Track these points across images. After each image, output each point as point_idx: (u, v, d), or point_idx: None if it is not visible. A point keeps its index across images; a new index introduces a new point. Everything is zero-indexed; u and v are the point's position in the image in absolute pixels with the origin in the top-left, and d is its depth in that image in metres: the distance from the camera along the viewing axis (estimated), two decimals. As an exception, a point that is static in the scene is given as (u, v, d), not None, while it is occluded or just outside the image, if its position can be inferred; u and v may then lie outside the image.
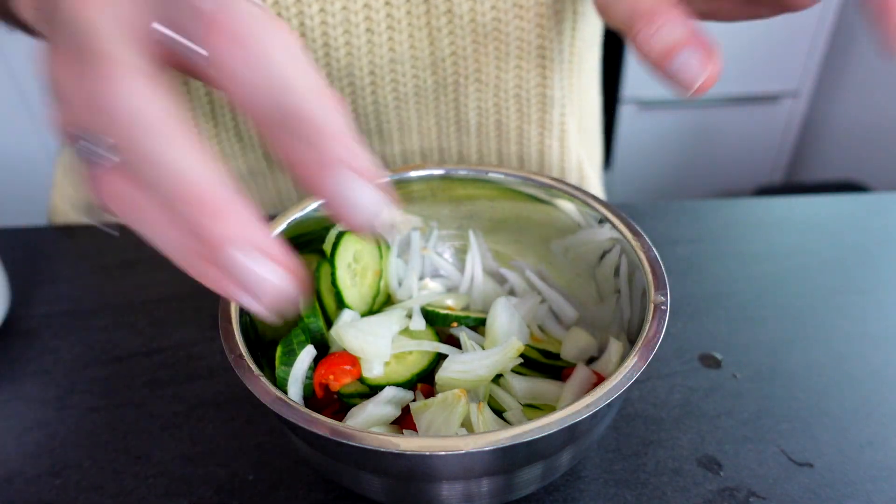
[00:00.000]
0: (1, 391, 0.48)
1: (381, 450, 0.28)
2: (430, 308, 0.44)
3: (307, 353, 0.40)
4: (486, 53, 0.55)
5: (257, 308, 0.24)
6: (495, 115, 0.59)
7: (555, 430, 0.28)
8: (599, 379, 0.39)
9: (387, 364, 0.40)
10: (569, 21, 0.57)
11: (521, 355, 0.41)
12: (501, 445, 0.28)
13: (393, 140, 0.60)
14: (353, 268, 0.44)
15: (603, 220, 0.41)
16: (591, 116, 0.73)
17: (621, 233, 0.40)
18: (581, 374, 0.39)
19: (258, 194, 0.63)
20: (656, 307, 0.34)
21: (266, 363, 0.39)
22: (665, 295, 0.35)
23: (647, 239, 0.39)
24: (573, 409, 0.29)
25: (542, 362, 0.42)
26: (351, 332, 0.39)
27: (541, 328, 0.46)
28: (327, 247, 0.44)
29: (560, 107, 0.61)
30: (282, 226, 0.41)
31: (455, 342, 0.43)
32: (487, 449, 0.28)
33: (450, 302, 0.47)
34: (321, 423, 0.29)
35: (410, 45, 0.53)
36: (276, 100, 0.23)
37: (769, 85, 1.73)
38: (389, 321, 0.42)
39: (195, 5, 0.23)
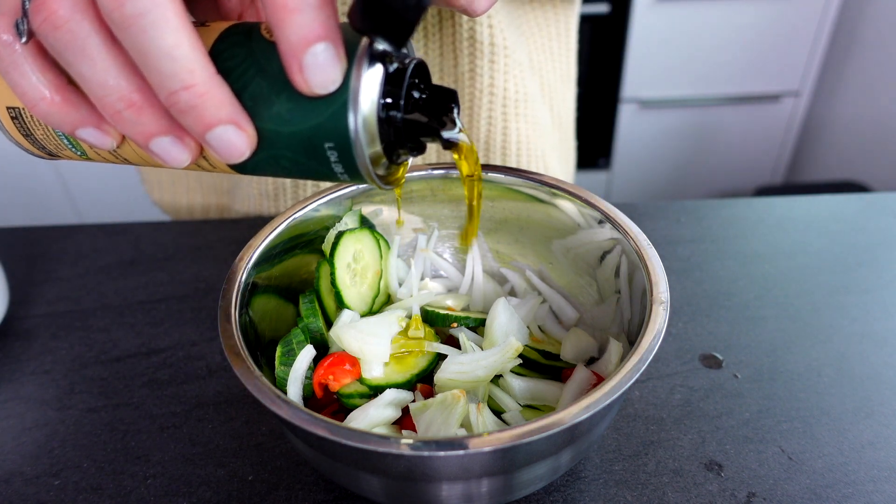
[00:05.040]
0: (0, 391, 0.48)
1: (381, 450, 0.28)
2: (430, 308, 0.44)
3: (307, 353, 0.40)
4: (498, 70, 0.60)
5: (180, 156, 0.27)
6: (502, 122, 0.63)
7: (554, 430, 0.28)
8: (599, 380, 0.39)
9: (386, 364, 0.40)
10: (563, 38, 0.67)
11: (521, 356, 0.41)
12: (501, 446, 0.28)
13: None
14: (352, 268, 0.44)
15: (603, 220, 0.41)
16: (568, 115, 0.77)
17: (621, 233, 0.40)
18: (581, 374, 0.39)
19: None
20: (656, 307, 0.34)
21: (266, 363, 0.39)
22: (665, 295, 0.35)
23: (647, 239, 0.39)
24: (573, 410, 0.29)
25: (542, 363, 0.42)
26: (350, 332, 0.39)
27: (541, 328, 0.46)
28: (327, 247, 0.44)
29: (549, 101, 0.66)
30: (282, 226, 0.41)
31: (455, 342, 0.43)
32: (487, 450, 0.28)
33: (450, 302, 0.47)
34: (321, 423, 0.29)
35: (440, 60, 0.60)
36: None
37: (770, 85, 1.73)
38: (389, 322, 0.42)
39: None
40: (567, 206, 0.43)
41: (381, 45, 0.26)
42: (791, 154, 1.90)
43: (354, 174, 0.28)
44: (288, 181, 0.64)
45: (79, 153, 0.33)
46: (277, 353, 0.40)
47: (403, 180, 0.32)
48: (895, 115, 1.56)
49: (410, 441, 0.28)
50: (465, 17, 0.57)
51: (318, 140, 0.26)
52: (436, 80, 0.61)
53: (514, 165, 0.65)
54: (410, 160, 0.33)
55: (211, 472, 0.41)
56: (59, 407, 0.46)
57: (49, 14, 0.24)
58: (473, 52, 0.58)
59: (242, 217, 0.70)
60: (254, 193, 0.67)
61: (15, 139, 0.33)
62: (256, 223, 0.64)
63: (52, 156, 0.34)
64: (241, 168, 0.29)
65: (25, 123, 0.32)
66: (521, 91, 0.63)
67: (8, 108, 0.31)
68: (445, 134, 0.30)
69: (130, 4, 0.23)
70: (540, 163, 0.67)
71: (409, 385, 0.40)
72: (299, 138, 0.26)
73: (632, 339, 0.36)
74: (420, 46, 0.59)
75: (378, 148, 0.28)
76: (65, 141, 0.32)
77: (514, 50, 0.61)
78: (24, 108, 0.31)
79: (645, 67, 1.70)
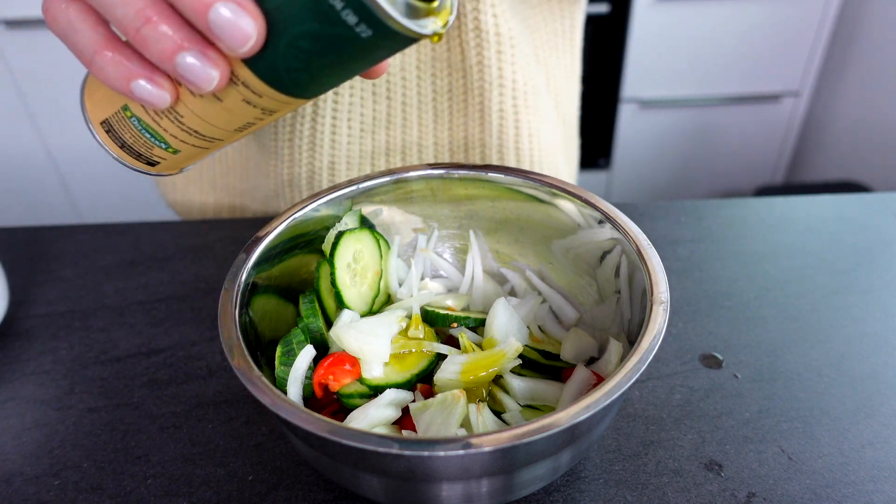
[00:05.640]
0: (0, 391, 0.48)
1: (381, 450, 0.28)
2: (429, 308, 0.44)
3: (307, 353, 0.40)
4: (506, 61, 0.60)
5: (208, 74, 0.27)
6: (514, 114, 0.63)
7: (554, 430, 0.28)
8: (599, 380, 0.39)
9: (386, 364, 0.40)
10: (567, 34, 0.67)
11: (521, 356, 0.41)
12: (501, 446, 0.28)
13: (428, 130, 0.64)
14: (352, 268, 0.44)
15: (603, 221, 0.41)
16: (572, 112, 0.77)
17: (621, 233, 0.40)
18: (581, 374, 0.39)
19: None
20: (656, 307, 0.34)
21: (266, 363, 0.39)
22: (665, 295, 0.35)
23: (647, 239, 0.39)
24: (573, 410, 0.29)
25: (542, 363, 0.42)
26: (350, 332, 0.39)
27: (541, 328, 0.46)
28: (327, 247, 0.44)
29: (555, 96, 0.67)
30: (282, 226, 0.41)
31: (455, 342, 0.43)
32: (487, 450, 0.28)
33: (450, 302, 0.47)
34: (321, 423, 0.29)
35: (447, 53, 0.60)
36: None
37: (770, 85, 1.73)
38: (389, 322, 0.42)
39: None
40: (567, 206, 0.43)
41: None
42: (791, 154, 1.90)
43: (372, 21, 0.25)
44: (303, 177, 0.64)
45: (164, 146, 0.33)
46: (277, 353, 0.40)
47: (442, 31, 0.29)
48: (895, 115, 1.56)
49: (410, 441, 0.28)
50: (469, 7, 0.57)
51: None
52: (445, 75, 0.60)
53: (528, 160, 0.65)
54: (451, 8, 0.29)
55: (211, 472, 0.41)
56: (59, 407, 0.46)
57: None
58: (480, 43, 0.58)
59: (251, 217, 0.70)
60: (270, 194, 0.67)
61: (115, 153, 0.35)
62: (257, 223, 0.64)
63: (150, 164, 0.35)
64: (274, 74, 0.28)
65: (116, 132, 0.33)
66: (529, 83, 0.63)
67: (101, 123, 0.34)
68: None
69: None
70: (551, 159, 0.68)
71: (409, 385, 0.40)
72: (301, 1, 0.25)
73: (632, 339, 0.36)
74: (427, 42, 0.59)
75: None
76: (147, 135, 0.33)
77: (519, 41, 0.61)
78: (111, 117, 0.33)
79: (645, 67, 1.70)
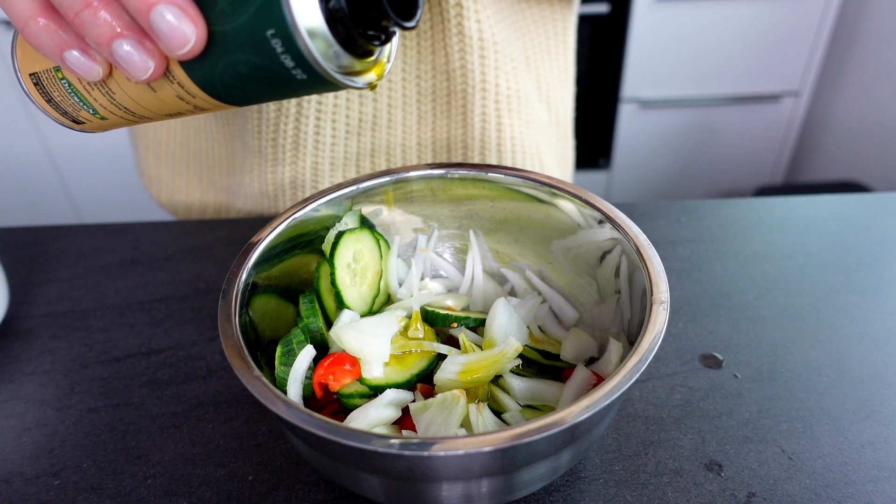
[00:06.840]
0: (0, 391, 0.48)
1: (381, 450, 0.28)
2: (430, 308, 0.44)
3: (307, 353, 0.40)
4: (489, 66, 0.60)
5: (143, 64, 0.27)
6: (496, 118, 0.63)
7: (554, 430, 0.28)
8: (599, 380, 0.39)
9: (386, 364, 0.40)
10: (560, 37, 0.68)
11: (521, 356, 0.41)
12: (501, 446, 0.28)
13: (411, 131, 0.64)
14: (352, 268, 0.44)
15: (603, 221, 0.41)
16: (566, 113, 0.77)
17: (621, 233, 0.40)
18: (581, 374, 0.39)
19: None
20: (656, 307, 0.34)
21: (266, 363, 0.39)
22: (665, 295, 0.35)
23: (647, 239, 0.39)
24: (573, 410, 0.29)
25: (542, 363, 0.42)
26: (350, 332, 0.39)
27: (541, 328, 0.46)
28: (327, 247, 0.44)
29: (546, 102, 0.68)
30: (281, 226, 0.41)
31: (455, 342, 0.43)
32: (487, 450, 0.28)
33: (450, 302, 0.47)
34: (321, 424, 0.29)
35: (432, 53, 0.60)
36: None
37: (770, 85, 1.73)
38: (389, 322, 0.42)
39: None
40: (567, 206, 0.43)
41: None
42: (791, 154, 1.90)
43: (306, 68, 0.26)
44: (286, 178, 0.64)
45: (91, 111, 0.33)
46: (277, 353, 0.40)
47: (376, 83, 0.30)
48: (895, 115, 1.56)
49: (410, 441, 0.28)
50: (452, 12, 0.57)
51: (261, 29, 0.25)
52: (429, 77, 0.61)
53: (510, 162, 0.65)
54: (387, 58, 0.30)
55: (211, 472, 0.41)
56: (59, 407, 0.46)
57: None
58: (463, 48, 0.58)
59: (243, 216, 0.70)
60: (255, 193, 0.67)
61: (41, 105, 0.35)
62: (256, 223, 0.64)
63: (75, 122, 0.35)
64: (209, 84, 0.28)
65: (45, 87, 0.33)
66: (513, 87, 0.62)
67: (30, 74, 0.33)
68: (401, 20, 0.27)
69: None
70: (535, 161, 0.67)
71: (409, 385, 0.40)
72: (245, 32, 0.26)
73: (632, 339, 0.36)
74: (413, 45, 0.59)
75: (325, 33, 0.26)
76: (76, 99, 0.33)
77: (504, 46, 0.61)
78: (42, 73, 0.33)
79: (645, 67, 1.70)
